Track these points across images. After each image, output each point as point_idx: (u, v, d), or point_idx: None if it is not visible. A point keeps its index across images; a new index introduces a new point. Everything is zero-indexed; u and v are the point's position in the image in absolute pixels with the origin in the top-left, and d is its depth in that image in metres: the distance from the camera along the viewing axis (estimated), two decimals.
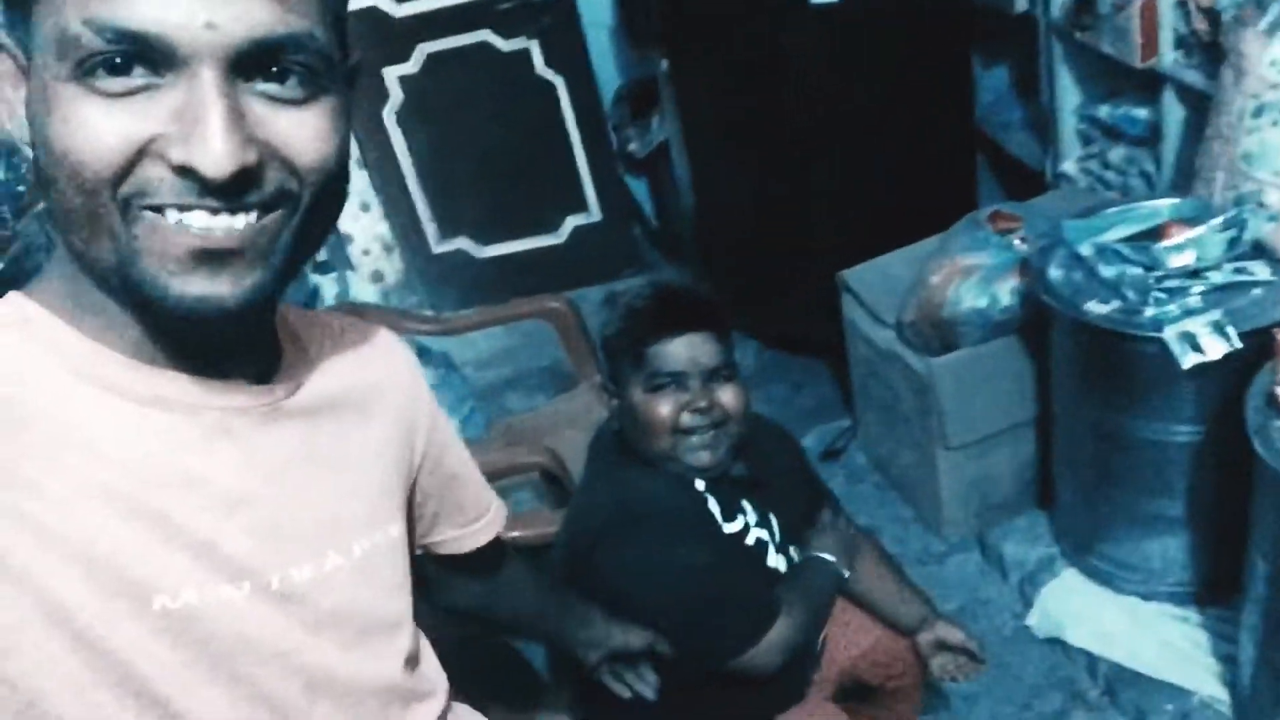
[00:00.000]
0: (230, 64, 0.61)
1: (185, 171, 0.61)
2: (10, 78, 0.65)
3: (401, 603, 0.84)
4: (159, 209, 0.62)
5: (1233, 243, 1.93)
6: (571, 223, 3.66)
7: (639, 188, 3.84)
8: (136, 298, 0.66)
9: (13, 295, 0.70)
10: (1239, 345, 1.80)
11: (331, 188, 0.69)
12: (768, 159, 2.87)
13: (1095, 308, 1.95)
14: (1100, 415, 2.09)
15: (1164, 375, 1.90)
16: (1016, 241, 2.25)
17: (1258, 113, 1.89)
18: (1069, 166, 2.76)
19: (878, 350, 2.49)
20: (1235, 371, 1.79)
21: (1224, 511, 1.95)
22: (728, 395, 1.44)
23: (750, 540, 1.50)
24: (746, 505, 1.54)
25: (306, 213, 0.67)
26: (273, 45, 0.62)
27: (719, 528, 1.47)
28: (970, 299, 2.22)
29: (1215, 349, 1.81)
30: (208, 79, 0.60)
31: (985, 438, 2.38)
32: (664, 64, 2.92)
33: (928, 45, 2.73)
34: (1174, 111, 2.30)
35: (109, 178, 0.61)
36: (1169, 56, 2.26)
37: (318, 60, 0.65)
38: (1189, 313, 1.87)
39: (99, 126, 0.60)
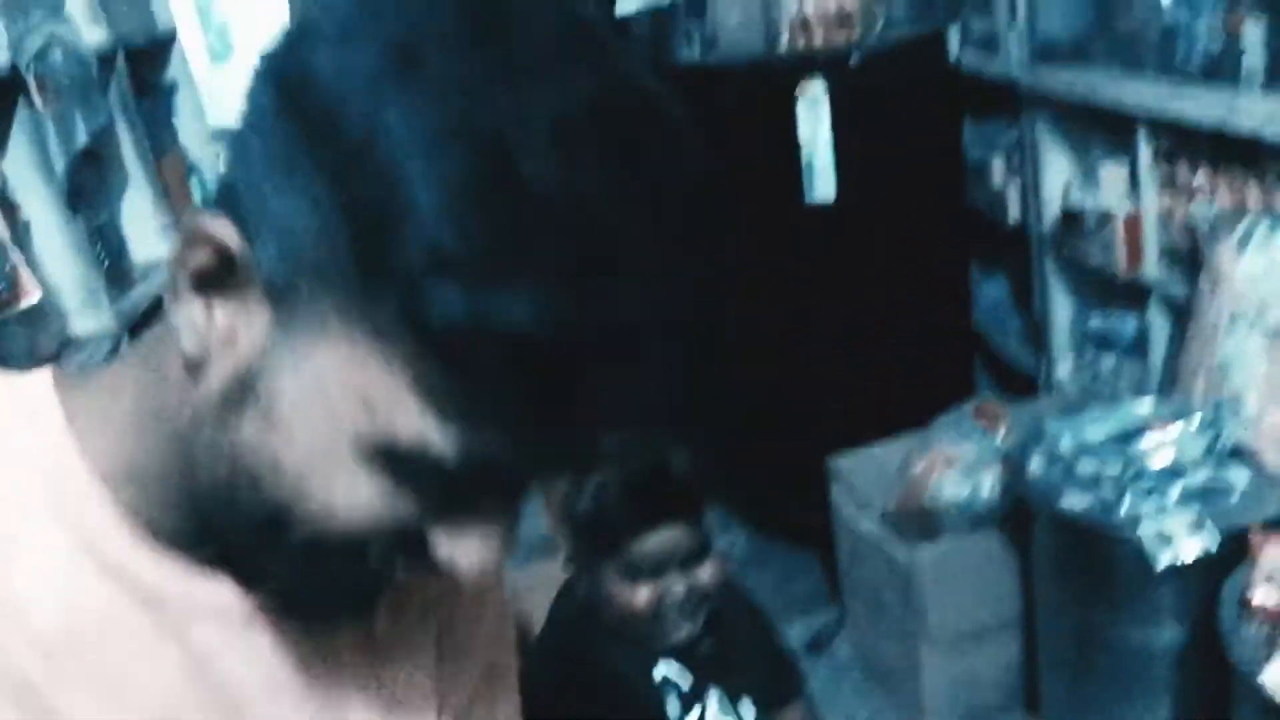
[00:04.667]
0: None
1: None
2: None
3: None
4: None
5: (1211, 444, 1.94)
6: None
7: None
8: None
9: (43, 377, 0.55)
10: (1216, 546, 1.78)
11: None
12: (761, 348, 2.93)
13: (1072, 502, 1.95)
14: (1082, 616, 2.05)
15: (1142, 575, 1.87)
16: (1000, 435, 2.27)
17: (1233, 321, 1.94)
18: (1062, 373, 2.80)
19: (863, 539, 2.47)
20: (1215, 574, 1.76)
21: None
22: (707, 574, 1.41)
23: None
24: (710, 693, 1.50)
25: None
26: None
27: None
28: (951, 488, 2.22)
29: (1190, 549, 1.80)
30: None
31: (969, 634, 2.33)
32: None
33: (926, 246, 2.83)
34: (1159, 321, 2.36)
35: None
36: (1153, 268, 2.33)
37: None
38: (1165, 511, 1.86)
39: None
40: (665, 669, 1.45)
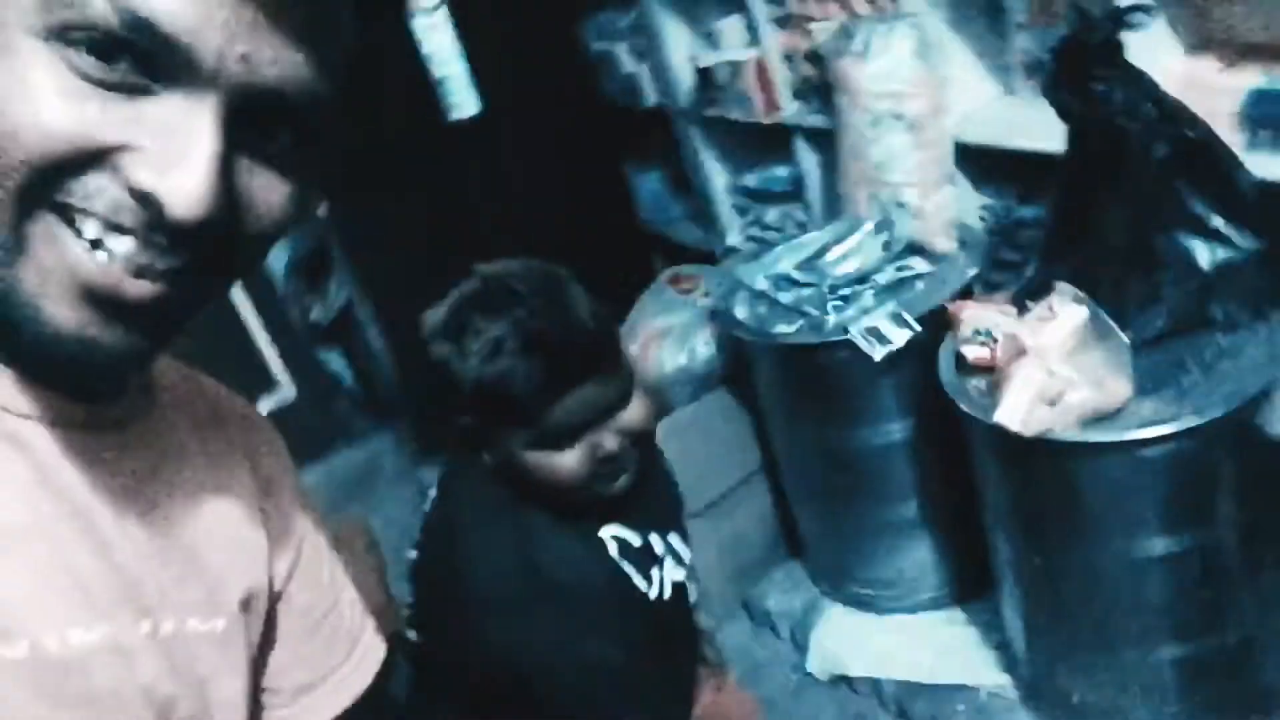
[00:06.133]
0: (242, 104, 0.53)
1: (143, 198, 0.51)
2: None
3: (201, 701, 0.66)
4: (76, 215, 0.51)
5: (888, 245, 2.04)
6: (264, 405, 3.43)
7: (335, 359, 3.67)
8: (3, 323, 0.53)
9: None
10: (919, 329, 1.88)
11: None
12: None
13: (783, 329, 2.00)
14: (815, 435, 2.12)
15: (861, 377, 1.96)
16: (700, 298, 2.30)
17: (875, 123, 2.04)
18: (733, 239, 2.88)
19: None
20: (924, 358, 1.86)
21: (956, 503, 1.97)
22: (637, 415, 1.21)
23: (668, 592, 1.31)
24: (654, 541, 1.34)
25: (226, 279, 0.60)
26: (293, 105, 0.54)
27: (636, 596, 1.28)
28: (671, 359, 2.23)
29: (899, 336, 1.89)
30: (215, 110, 0.52)
31: (723, 497, 2.36)
32: (322, 209, 2.85)
33: (575, 149, 2.83)
34: (808, 156, 2.46)
35: (40, 166, 0.50)
36: (791, 107, 2.43)
37: (320, 126, 0.57)
38: (867, 311, 1.95)
39: (58, 105, 0.49)
40: (611, 531, 1.28)
